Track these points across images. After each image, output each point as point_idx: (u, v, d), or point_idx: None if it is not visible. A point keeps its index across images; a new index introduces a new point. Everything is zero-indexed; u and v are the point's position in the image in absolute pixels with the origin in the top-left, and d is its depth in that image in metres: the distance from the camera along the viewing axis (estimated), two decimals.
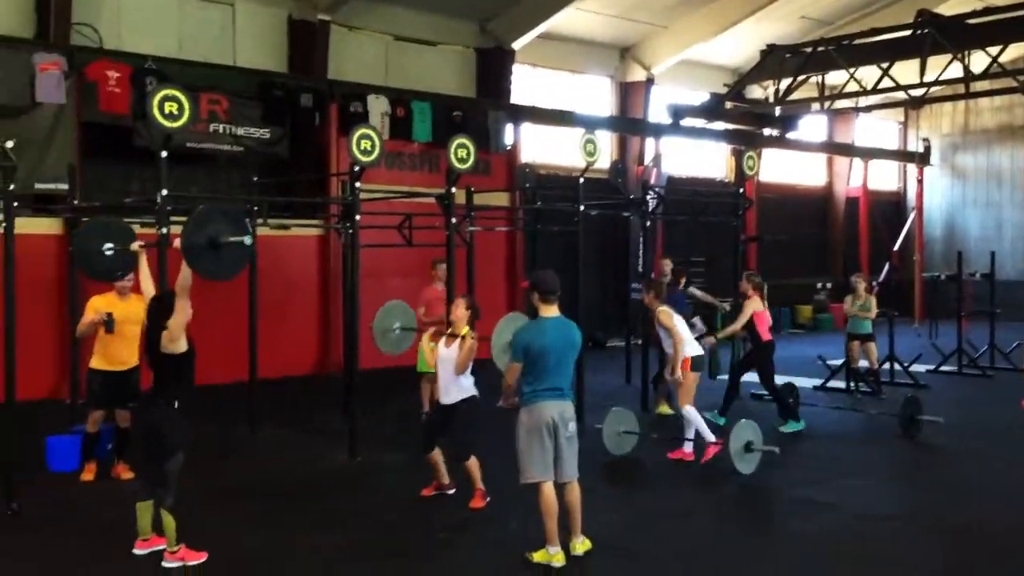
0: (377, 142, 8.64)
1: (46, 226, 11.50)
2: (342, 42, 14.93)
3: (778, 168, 22.55)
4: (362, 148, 8.51)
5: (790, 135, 20.22)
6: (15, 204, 6.87)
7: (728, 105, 18.48)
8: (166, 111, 7.26)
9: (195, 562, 5.62)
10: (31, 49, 11.52)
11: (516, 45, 16.62)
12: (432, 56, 16.26)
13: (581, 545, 5.80)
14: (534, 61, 17.74)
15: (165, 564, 5.60)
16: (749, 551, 6.19)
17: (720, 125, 19.39)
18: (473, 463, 6.93)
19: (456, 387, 6.93)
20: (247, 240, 6.12)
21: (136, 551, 5.80)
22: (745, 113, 19.21)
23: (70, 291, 9.24)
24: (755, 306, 9.89)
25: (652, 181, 14.99)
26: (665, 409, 10.80)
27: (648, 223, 11.66)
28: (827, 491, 7.47)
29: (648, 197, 11.57)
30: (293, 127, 13.82)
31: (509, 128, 16.32)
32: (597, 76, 19.22)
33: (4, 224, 6.75)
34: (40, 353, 9.81)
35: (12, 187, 6.81)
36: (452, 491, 7.21)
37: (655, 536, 6.42)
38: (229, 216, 6.17)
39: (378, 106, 14.55)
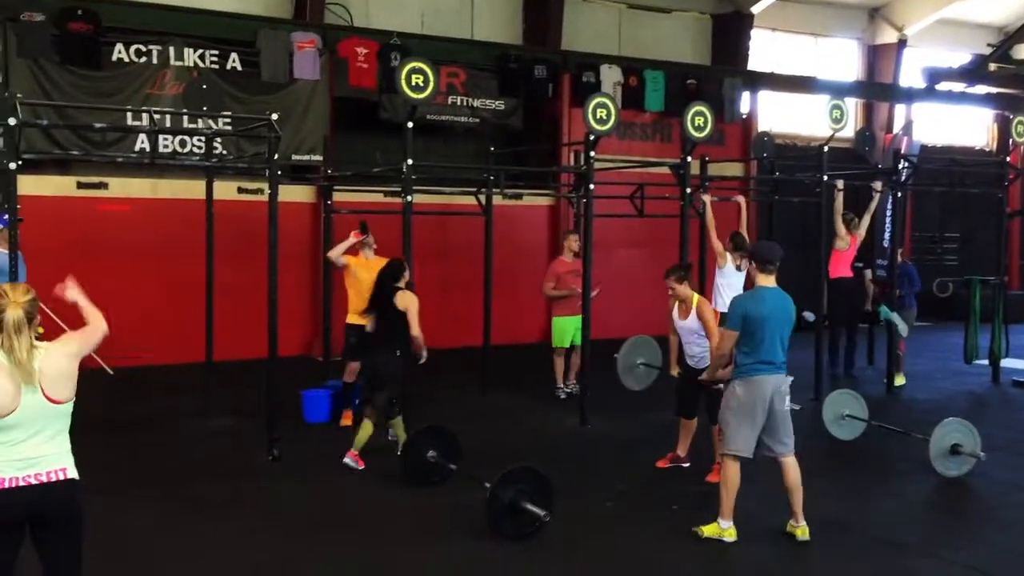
0: (613, 111, 8.55)
1: (301, 194, 12.35)
2: (576, 12, 14.93)
3: None
4: (598, 117, 8.45)
5: None
6: (278, 173, 7.40)
7: (992, 67, 16.85)
8: (413, 83, 7.55)
9: (352, 461, 6.91)
10: (290, 29, 12.34)
11: (755, 9, 15.94)
12: (666, 23, 15.93)
13: (800, 531, 5.57)
14: (774, 25, 16.96)
15: (345, 459, 6.93)
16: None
17: (983, 89, 17.76)
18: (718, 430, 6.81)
19: (702, 351, 6.78)
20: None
21: (345, 459, 6.94)
22: (1012, 76, 17.41)
23: (324, 256, 9.84)
24: None
25: (903, 150, 13.92)
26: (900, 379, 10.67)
27: (899, 195, 10.85)
28: None
29: (899, 167, 10.76)
30: (527, 98, 14.01)
31: (745, 96, 15.75)
32: (843, 39, 18.11)
33: (270, 191, 7.28)
34: (296, 312, 10.53)
35: (276, 156, 7.32)
36: (687, 464, 7.09)
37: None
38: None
39: (611, 76, 14.46)
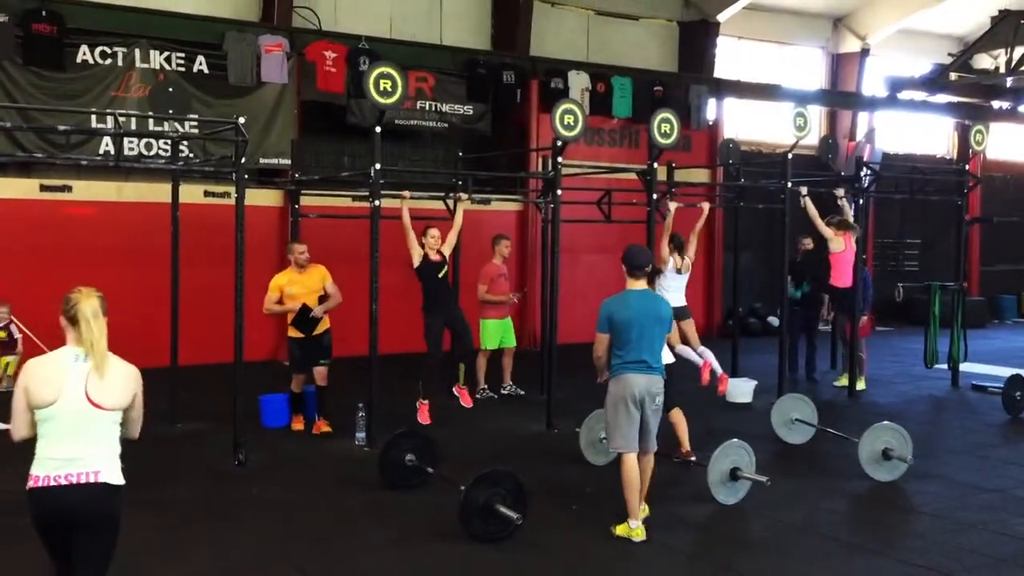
0: (580, 117, 8.63)
1: (269, 198, 12.29)
2: (544, 18, 15.01)
3: (1008, 144, 20.77)
4: (565, 123, 8.52)
5: (1022, 108, 18.57)
6: (245, 176, 7.37)
7: (953, 76, 17.14)
8: (381, 88, 7.57)
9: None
10: (257, 32, 12.29)
11: (721, 17, 16.13)
12: (634, 30, 16.06)
13: (641, 512, 5.77)
14: (739, 33, 17.16)
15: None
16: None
17: (943, 98, 18.09)
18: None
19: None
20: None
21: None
22: (972, 85, 17.75)
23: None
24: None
25: (865, 157, 14.14)
26: (843, 381, 10.79)
27: (861, 201, 11.02)
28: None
29: (862, 174, 10.93)
30: (495, 103, 14.07)
31: (712, 103, 15.91)
32: (807, 47, 18.38)
33: (237, 195, 7.25)
34: (262, 317, 10.49)
35: (243, 160, 7.30)
36: (694, 459, 7.17)
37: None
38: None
39: (579, 82, 14.55)
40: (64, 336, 3.71)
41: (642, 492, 5.83)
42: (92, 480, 3.57)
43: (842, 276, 10.55)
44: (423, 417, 8.64)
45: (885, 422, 7.27)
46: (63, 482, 3.53)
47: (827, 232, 10.44)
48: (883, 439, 7.09)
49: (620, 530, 5.72)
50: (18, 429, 3.62)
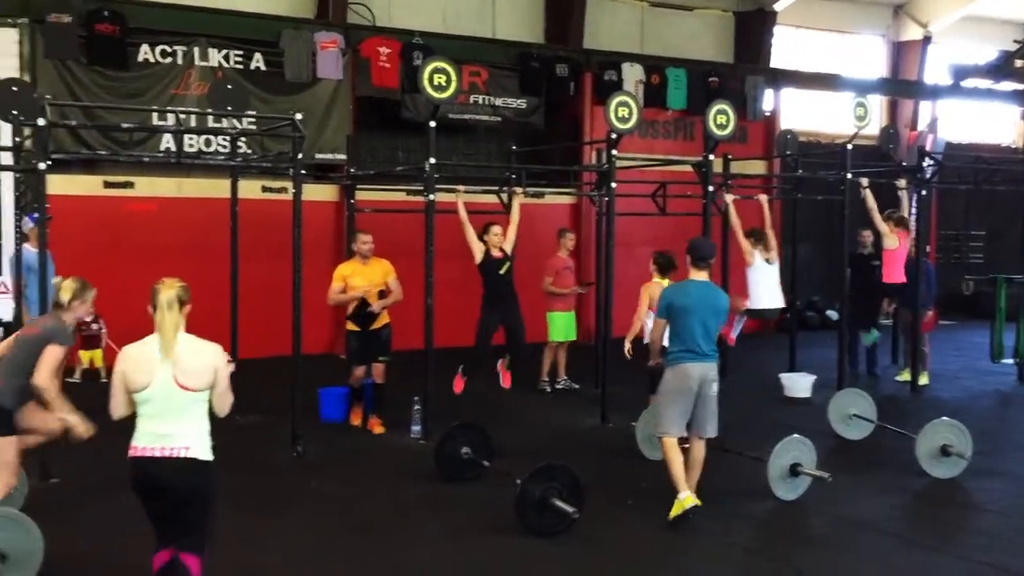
0: (635, 109, 8.57)
1: (325, 193, 12.43)
2: (598, 10, 14.91)
3: None
4: (619, 115, 8.47)
5: None
6: (302, 172, 7.46)
7: (1018, 63, 16.68)
8: (435, 83, 7.59)
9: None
10: (313, 29, 12.42)
11: (778, 6, 15.87)
12: (689, 21, 15.90)
13: (690, 499, 5.76)
14: (797, 22, 16.88)
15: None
16: None
17: (1008, 86, 17.59)
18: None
19: None
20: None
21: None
22: None
23: (347, 254, 9.88)
24: None
25: (928, 147, 13.82)
26: (906, 376, 10.61)
27: (923, 193, 10.77)
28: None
29: (924, 164, 10.68)
30: (548, 97, 14.03)
31: (768, 94, 15.69)
32: (867, 36, 18.00)
33: (294, 190, 7.34)
34: (319, 310, 10.60)
35: (300, 156, 7.38)
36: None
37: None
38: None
39: (633, 74, 14.44)
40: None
41: (691, 479, 5.90)
42: (182, 455, 3.91)
43: (894, 273, 10.31)
44: (457, 387, 8.60)
45: (944, 418, 7.11)
46: (157, 454, 3.91)
47: (883, 228, 10.22)
48: (942, 435, 6.95)
49: (674, 511, 5.74)
50: (116, 408, 4.01)
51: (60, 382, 5.04)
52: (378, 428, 8.24)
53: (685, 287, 5.98)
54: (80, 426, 5.15)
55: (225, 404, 4.11)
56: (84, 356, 10.32)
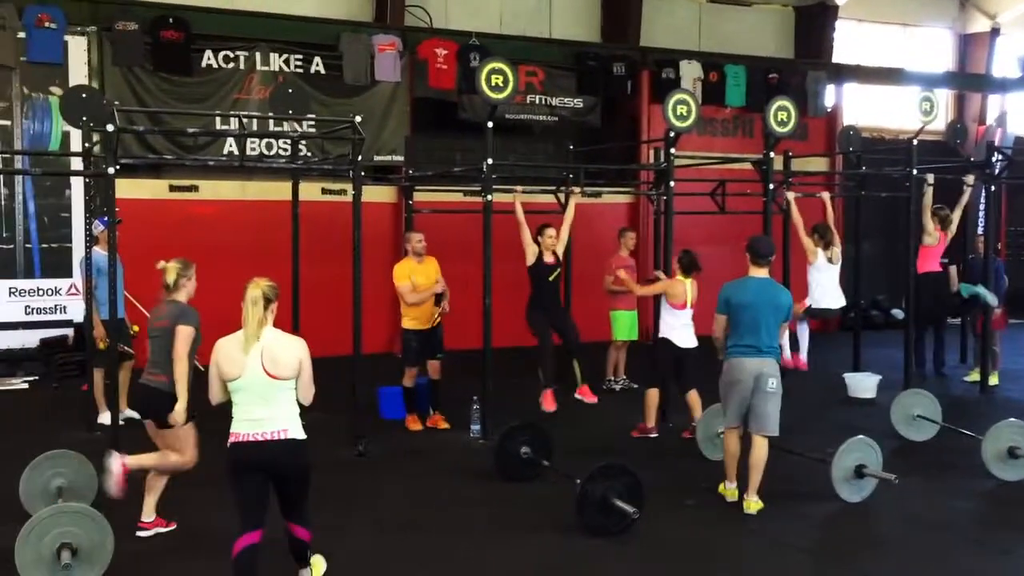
0: (693, 107, 8.49)
1: (383, 194, 12.55)
2: (654, 8, 14.82)
3: None
4: (678, 113, 8.40)
5: None
6: (362, 174, 7.54)
7: None
8: (492, 83, 7.62)
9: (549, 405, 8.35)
10: (371, 32, 12.54)
11: (839, 0, 15.59)
12: (747, 17, 15.70)
13: (754, 504, 5.95)
14: (860, 16, 16.57)
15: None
16: None
17: None
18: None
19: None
20: None
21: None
22: None
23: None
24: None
25: (997, 142, 13.44)
26: (975, 376, 10.46)
27: (992, 188, 10.49)
28: None
29: (993, 159, 10.40)
30: (605, 96, 13.98)
31: (830, 89, 15.42)
32: (932, 28, 17.59)
33: (354, 192, 7.42)
34: (378, 310, 10.70)
35: (359, 158, 7.46)
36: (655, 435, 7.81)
37: None
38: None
39: (691, 72, 14.31)
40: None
41: (753, 480, 5.97)
42: (281, 437, 4.31)
43: (926, 264, 10.32)
44: (548, 404, 8.55)
45: (1011, 419, 6.91)
46: (259, 438, 4.29)
47: (929, 226, 10.24)
48: (1008, 437, 6.77)
49: (720, 488, 6.19)
50: (214, 396, 4.44)
51: (190, 365, 5.35)
52: (443, 424, 8.31)
53: (745, 283, 6.06)
54: (180, 416, 5.32)
55: (308, 394, 4.49)
56: None
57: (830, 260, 9.30)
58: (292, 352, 4.39)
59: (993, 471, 6.74)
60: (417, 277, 8.16)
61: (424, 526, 5.84)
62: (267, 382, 4.30)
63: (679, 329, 7.70)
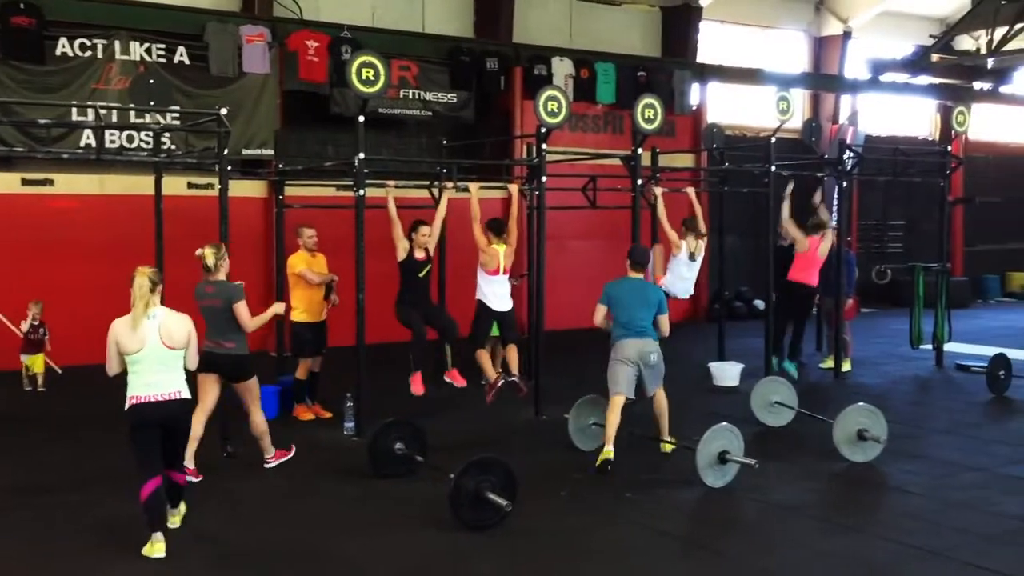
0: (564, 103, 8.62)
1: (253, 188, 12.24)
2: (527, 5, 14.97)
3: (989, 125, 20.86)
4: (549, 110, 8.51)
5: (1004, 89, 18.68)
6: (228, 168, 7.34)
7: (934, 58, 17.22)
8: (363, 77, 7.54)
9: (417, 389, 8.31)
10: (238, 22, 12.20)
11: (703, 2, 16.15)
12: (616, 16, 16.05)
13: (669, 445, 7.20)
14: (722, 17, 17.19)
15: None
16: None
17: (925, 80, 18.14)
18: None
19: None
20: None
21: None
22: (954, 66, 17.85)
23: (277, 251, 9.78)
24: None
25: (848, 140, 14.20)
26: (829, 363, 10.98)
27: (845, 184, 11.06)
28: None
29: (845, 156, 10.97)
30: (479, 91, 14.03)
31: (695, 88, 15.92)
32: (789, 31, 18.41)
33: (220, 186, 7.22)
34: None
35: (226, 152, 7.26)
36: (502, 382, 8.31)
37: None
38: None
39: (562, 68, 14.53)
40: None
41: (662, 423, 7.26)
42: (176, 396, 5.22)
43: (803, 273, 10.19)
44: (416, 388, 8.48)
45: (860, 403, 7.30)
46: (159, 398, 5.16)
47: (795, 233, 10.21)
48: (857, 420, 7.14)
49: (601, 456, 6.76)
50: (111, 368, 5.23)
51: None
52: (325, 413, 8.54)
53: (623, 283, 7.24)
54: (280, 307, 7.18)
55: (194, 361, 5.47)
56: (28, 362, 9.89)
57: (691, 257, 9.53)
58: (184, 327, 5.29)
59: (844, 453, 7.11)
60: (312, 270, 8.47)
61: (296, 524, 5.75)
62: (164, 352, 5.15)
63: (494, 294, 8.51)
